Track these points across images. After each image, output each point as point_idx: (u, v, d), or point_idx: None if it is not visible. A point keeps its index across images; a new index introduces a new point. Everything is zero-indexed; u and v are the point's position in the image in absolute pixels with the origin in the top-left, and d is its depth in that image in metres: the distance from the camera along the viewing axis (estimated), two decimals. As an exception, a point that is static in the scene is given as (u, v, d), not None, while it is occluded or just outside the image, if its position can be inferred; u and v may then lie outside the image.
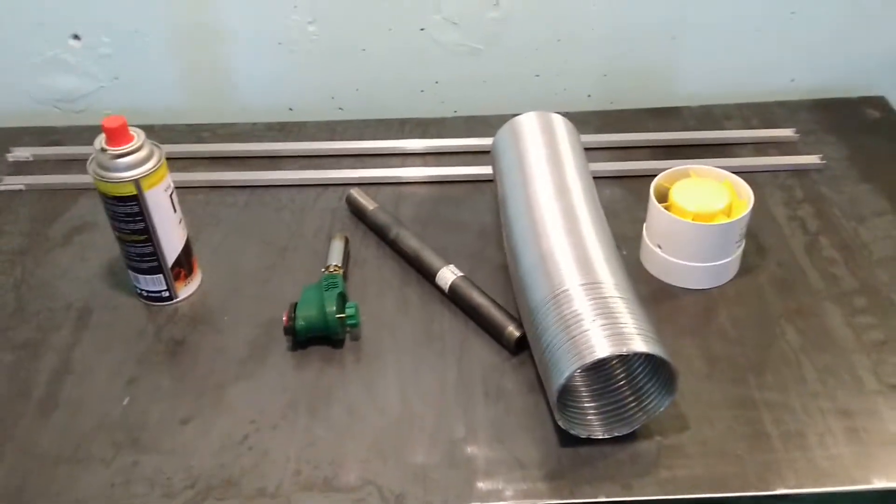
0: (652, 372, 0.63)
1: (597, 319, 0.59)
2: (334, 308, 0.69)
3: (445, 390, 0.67)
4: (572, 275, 0.63)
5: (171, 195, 0.71)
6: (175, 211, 0.72)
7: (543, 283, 0.64)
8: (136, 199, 0.68)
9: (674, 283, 0.77)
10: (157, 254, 0.72)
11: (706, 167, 0.79)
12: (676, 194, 0.75)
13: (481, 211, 0.86)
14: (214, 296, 0.77)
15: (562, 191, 0.72)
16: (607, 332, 0.58)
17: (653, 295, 0.76)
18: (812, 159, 0.90)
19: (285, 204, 0.88)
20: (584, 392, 0.65)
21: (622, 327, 0.59)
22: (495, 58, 1.00)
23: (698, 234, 0.73)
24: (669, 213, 0.74)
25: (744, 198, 0.75)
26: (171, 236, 0.72)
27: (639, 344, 0.58)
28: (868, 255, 0.78)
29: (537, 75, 1.02)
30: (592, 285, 0.62)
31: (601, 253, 0.66)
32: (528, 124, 0.81)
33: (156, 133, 1.00)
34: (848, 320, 0.72)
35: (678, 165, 0.82)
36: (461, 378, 0.68)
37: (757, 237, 0.81)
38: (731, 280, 0.76)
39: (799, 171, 0.90)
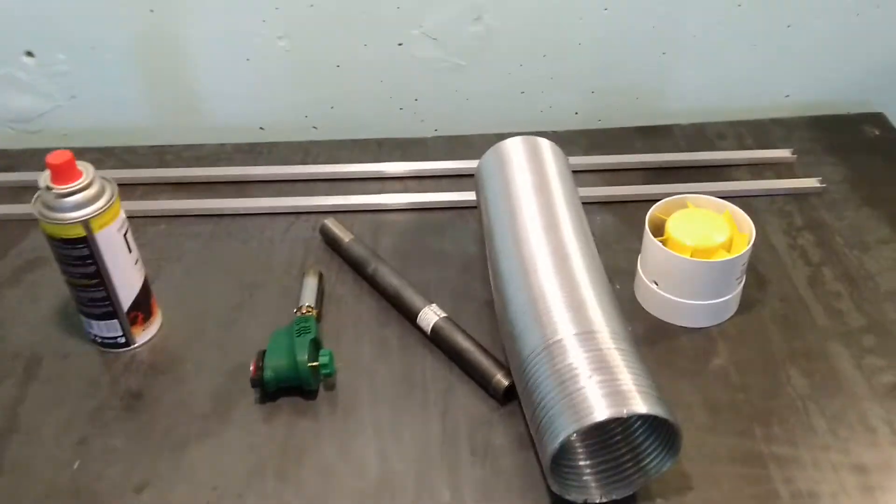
0: (652, 429, 0.58)
1: (593, 375, 0.54)
2: (306, 357, 0.64)
3: (428, 447, 0.61)
4: (566, 323, 0.58)
5: (125, 234, 0.65)
6: (130, 251, 0.66)
7: (535, 332, 0.59)
8: (86, 241, 0.62)
9: (671, 322, 0.72)
10: (110, 298, 0.66)
11: (704, 197, 0.74)
12: (673, 227, 0.70)
13: (465, 241, 0.81)
14: (176, 340, 0.71)
15: (551, 225, 0.67)
16: (605, 390, 0.53)
17: (648, 333, 0.71)
18: (811, 182, 0.86)
19: (254, 234, 0.82)
20: (579, 450, 0.60)
21: (620, 384, 0.54)
22: (478, 74, 0.94)
23: (698, 271, 0.68)
24: (666, 249, 0.69)
25: (745, 230, 0.71)
26: (127, 279, 0.66)
27: (639, 404, 0.53)
28: (874, 287, 0.74)
29: (522, 92, 0.96)
30: (588, 335, 0.57)
31: (595, 296, 0.61)
32: (514, 150, 0.76)
33: (116, 156, 0.94)
34: (857, 362, 0.67)
35: (671, 191, 0.78)
36: (445, 432, 0.62)
37: (757, 268, 0.76)
38: (736, 317, 0.72)
39: (797, 195, 0.85)
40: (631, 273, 0.75)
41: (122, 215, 0.65)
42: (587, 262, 0.64)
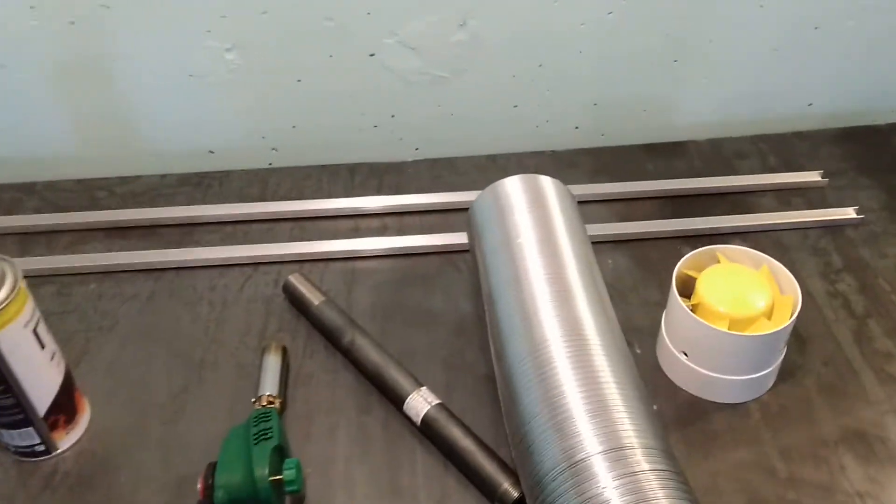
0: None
1: (628, 508, 0.43)
2: (266, 471, 0.51)
3: (424, 581, 0.50)
4: (591, 437, 0.47)
5: (35, 328, 0.52)
6: (43, 346, 0.52)
7: (553, 445, 0.47)
8: (-17, 344, 0.49)
9: (702, 396, 0.61)
10: (21, 405, 0.53)
11: (738, 248, 0.62)
12: (706, 290, 0.59)
13: (457, 294, 0.69)
14: (108, 441, 0.58)
15: (564, 295, 0.55)
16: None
17: (674, 409, 0.60)
18: (846, 212, 0.75)
19: (202, 293, 0.69)
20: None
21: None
22: (463, 87, 0.81)
23: (736, 345, 0.57)
24: (699, 319, 0.57)
25: (787, 291, 0.59)
26: (41, 381, 0.53)
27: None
28: (932, 346, 0.64)
29: (515, 106, 0.84)
30: (618, 452, 0.46)
31: (621, 397, 0.49)
32: (514, 193, 0.64)
33: (37, 193, 0.79)
34: (922, 445, 0.57)
35: (690, 227, 0.67)
36: (443, 560, 0.51)
37: (795, 325, 0.65)
38: (775, 387, 0.61)
39: (832, 228, 0.75)
40: (651, 332, 0.64)
41: (31, 304, 0.51)
42: (608, 346, 0.52)
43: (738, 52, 0.82)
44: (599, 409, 0.49)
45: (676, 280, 0.60)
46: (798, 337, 0.65)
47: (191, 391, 0.61)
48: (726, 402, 0.60)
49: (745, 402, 0.60)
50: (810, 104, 0.87)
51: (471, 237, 0.65)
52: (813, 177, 0.79)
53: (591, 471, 0.46)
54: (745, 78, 0.84)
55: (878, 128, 0.87)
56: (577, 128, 0.86)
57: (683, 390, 0.61)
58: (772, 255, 0.62)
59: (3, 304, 0.48)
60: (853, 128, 0.87)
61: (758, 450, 0.57)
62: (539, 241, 0.60)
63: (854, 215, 0.75)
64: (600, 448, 0.46)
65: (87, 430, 0.59)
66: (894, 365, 0.62)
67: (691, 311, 0.59)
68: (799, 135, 0.86)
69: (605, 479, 0.45)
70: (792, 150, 0.84)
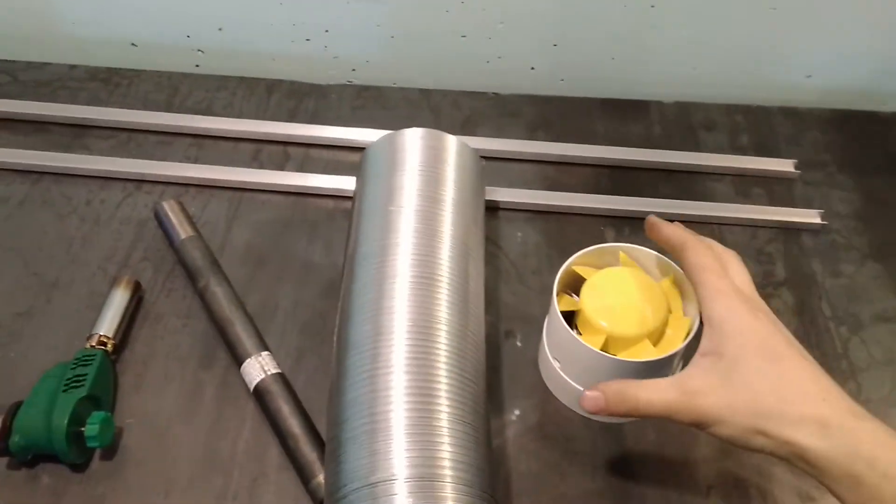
0: None
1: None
2: (65, 422, 0.48)
3: (209, 565, 0.47)
4: (401, 458, 0.41)
5: None
6: None
7: (361, 456, 0.42)
8: None
9: (571, 408, 0.55)
10: None
11: (645, 251, 0.54)
12: (589, 295, 0.51)
13: (340, 247, 0.61)
14: (-65, 356, 0.55)
15: (426, 284, 0.49)
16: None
17: (543, 418, 0.54)
18: (809, 215, 0.65)
19: (77, 206, 0.64)
20: None
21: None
22: (408, 7, 0.72)
23: (608, 367, 0.49)
24: (569, 331, 0.50)
25: (690, 313, 0.52)
26: None
27: None
28: (856, 391, 0.56)
29: (463, 35, 0.74)
30: (426, 483, 0.41)
31: (450, 418, 0.43)
32: (411, 150, 0.56)
33: (-62, 70, 0.74)
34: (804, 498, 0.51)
35: (624, 207, 0.60)
36: (238, 543, 0.48)
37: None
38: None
39: (788, 230, 0.65)
40: (540, 325, 0.57)
41: None
42: (457, 355, 0.46)
43: (729, 3, 0.70)
44: (421, 426, 0.43)
45: (563, 279, 0.53)
46: (704, 353, 0.57)
47: (34, 313, 0.58)
48: (597, 420, 0.54)
49: (620, 425, 0.54)
50: (809, 76, 0.75)
51: (356, 186, 0.59)
52: (784, 166, 0.69)
53: (389, 497, 0.41)
54: (734, 34, 0.72)
55: (879, 115, 0.75)
56: (532, 68, 0.76)
57: (554, 397, 0.55)
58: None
59: None
60: (851, 111, 0.75)
61: (618, 481, 0.51)
62: (417, 214, 0.53)
63: (818, 220, 0.65)
64: (407, 473, 0.41)
65: (-84, 341, 0.56)
66: (804, 402, 0.55)
67: (574, 314, 0.52)
68: (787, 111, 0.74)
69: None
70: (771, 128, 0.73)
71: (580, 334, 0.51)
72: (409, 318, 0.47)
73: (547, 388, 0.55)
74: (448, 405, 0.44)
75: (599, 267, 0.54)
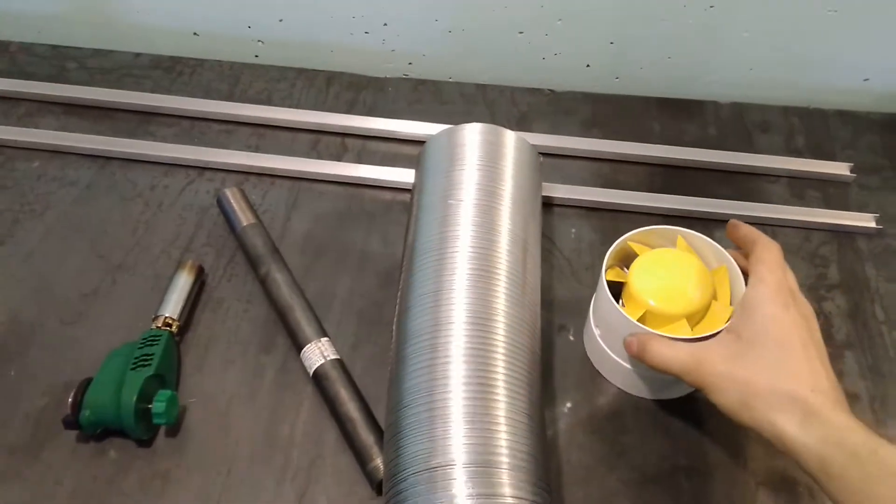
0: None
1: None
2: (133, 399, 0.50)
3: (269, 542, 0.49)
4: (459, 444, 0.43)
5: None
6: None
7: (420, 441, 0.44)
8: None
9: (609, 380, 0.56)
10: None
11: (703, 238, 0.54)
12: (638, 272, 0.52)
13: (397, 239, 0.63)
14: (7, 331, 0.57)
15: (484, 277, 0.50)
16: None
17: (581, 389, 0.55)
18: (864, 219, 0.65)
19: (141, 191, 0.66)
20: None
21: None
22: (465, 1, 0.72)
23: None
24: (611, 300, 0.51)
25: (735, 301, 0.52)
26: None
27: None
28: (907, 394, 0.56)
29: (521, 32, 0.74)
30: (482, 469, 0.42)
31: (507, 407, 0.45)
32: (469, 144, 0.57)
33: (10, 55, 0.77)
34: (853, 507, 0.51)
35: (678, 207, 0.59)
36: (296, 524, 0.49)
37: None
38: (713, 408, 0.55)
39: (842, 234, 0.65)
40: (593, 319, 0.58)
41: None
42: (514, 345, 0.48)
43: (789, 4, 0.69)
44: (479, 414, 0.44)
45: (615, 255, 0.54)
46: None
47: (100, 294, 0.60)
48: (630, 392, 0.55)
49: (670, 426, 0.54)
50: (866, 79, 0.74)
51: (416, 179, 0.60)
52: (840, 169, 0.69)
53: (449, 481, 0.42)
54: (792, 36, 0.72)
55: (942, 121, 0.74)
56: (588, 66, 0.76)
57: (605, 390, 0.56)
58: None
59: None
60: (912, 116, 0.74)
61: (666, 483, 0.51)
62: (477, 207, 0.54)
63: (873, 224, 0.65)
64: (465, 459, 0.43)
65: (-9, 316, 0.58)
66: (856, 409, 0.55)
67: (621, 289, 0.53)
68: (842, 115, 0.74)
69: (459, 493, 0.41)
70: (827, 131, 0.73)
71: (623, 306, 0.52)
72: (468, 310, 0.48)
73: (598, 381, 0.56)
74: (505, 395, 0.45)
75: (654, 247, 0.55)
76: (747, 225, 0.51)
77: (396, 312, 0.52)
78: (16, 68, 0.75)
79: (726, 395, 0.43)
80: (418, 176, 0.59)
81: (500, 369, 0.46)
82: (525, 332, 0.49)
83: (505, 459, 0.43)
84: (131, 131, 0.70)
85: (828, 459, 0.39)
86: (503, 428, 0.44)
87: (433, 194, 0.56)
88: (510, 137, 0.59)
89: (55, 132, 0.69)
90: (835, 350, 0.58)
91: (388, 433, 0.47)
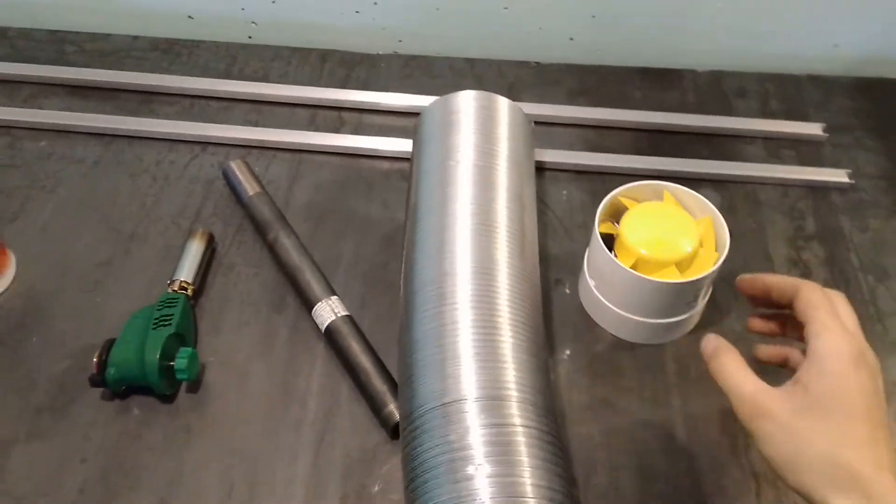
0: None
1: (485, 464, 0.42)
2: (156, 356, 0.52)
3: (290, 487, 0.51)
4: (470, 380, 0.46)
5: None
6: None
7: (432, 381, 0.47)
8: None
9: (607, 329, 0.59)
10: (-68, 257, 0.54)
11: (688, 192, 0.58)
12: (628, 224, 0.56)
13: (397, 204, 0.67)
14: (28, 301, 0.60)
15: (486, 230, 0.53)
16: (495, 489, 0.42)
17: (579, 340, 0.59)
18: (837, 175, 0.69)
19: (147, 167, 0.68)
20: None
21: (515, 483, 0.42)
22: (452, -20, 0.76)
23: (636, 285, 0.54)
24: (605, 251, 0.55)
25: (719, 247, 0.56)
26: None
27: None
28: (882, 333, 0.60)
29: (505, 7, 0.77)
30: (493, 402, 0.45)
31: (513, 345, 0.48)
32: (465, 110, 0.60)
33: (9, 40, 0.79)
34: (835, 434, 0.54)
35: (662, 167, 0.62)
36: (316, 468, 0.52)
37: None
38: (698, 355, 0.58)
39: (817, 189, 0.69)
40: (586, 273, 0.61)
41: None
42: (516, 292, 0.51)
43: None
44: (486, 354, 0.47)
45: (607, 209, 0.57)
46: (742, 303, 0.60)
47: (115, 264, 0.62)
48: (626, 339, 0.59)
49: (663, 363, 0.58)
50: (836, 45, 0.79)
51: (413, 147, 0.63)
52: (813, 129, 0.73)
53: (461, 415, 0.45)
54: (765, 7, 0.76)
55: (908, 84, 0.79)
56: (571, 39, 0.79)
57: (601, 338, 0.59)
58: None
59: None
60: (878, 79, 0.78)
61: (663, 412, 0.55)
62: (475, 167, 0.57)
63: (845, 179, 0.69)
64: (476, 394, 0.46)
65: (10, 286, 0.60)
66: (835, 345, 0.59)
67: (613, 241, 0.57)
68: (814, 79, 0.78)
69: (472, 424, 0.44)
70: (800, 95, 0.77)
71: (616, 256, 0.56)
72: (472, 260, 0.51)
73: (595, 330, 0.60)
74: (511, 335, 0.48)
75: (642, 202, 0.58)
76: (767, 274, 0.47)
77: (403, 268, 0.55)
78: (15, 53, 0.77)
79: (779, 450, 0.39)
80: (416, 143, 0.62)
81: (505, 313, 0.49)
82: (526, 281, 0.52)
83: (514, 393, 0.46)
84: (134, 111, 0.72)
85: None
86: (510, 365, 0.47)
87: (432, 158, 0.59)
88: (503, 103, 0.62)
89: (60, 112, 0.71)
90: (813, 294, 0.62)
91: (401, 377, 0.50)
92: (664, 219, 0.56)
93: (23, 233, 0.63)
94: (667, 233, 0.55)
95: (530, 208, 0.58)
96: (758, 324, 0.49)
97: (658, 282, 0.53)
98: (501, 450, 0.43)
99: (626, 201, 0.58)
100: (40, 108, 0.72)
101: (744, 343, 0.58)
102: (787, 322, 0.48)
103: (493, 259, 0.52)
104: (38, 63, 0.75)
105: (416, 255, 0.54)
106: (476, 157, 0.57)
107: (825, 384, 0.39)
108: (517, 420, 0.45)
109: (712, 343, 0.44)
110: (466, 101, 0.61)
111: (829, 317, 0.41)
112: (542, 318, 0.53)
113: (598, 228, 0.56)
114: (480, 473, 0.42)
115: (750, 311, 0.50)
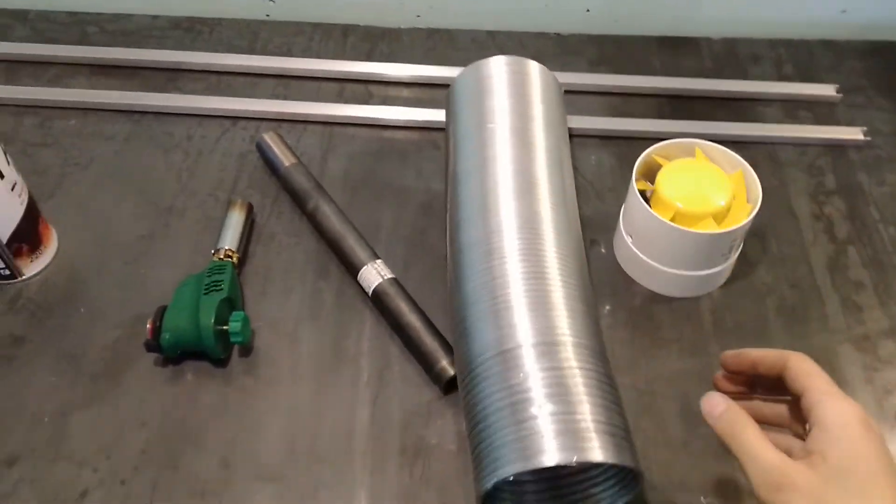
0: (608, 466, 0.48)
1: (547, 403, 0.44)
2: (211, 321, 0.53)
3: (352, 440, 0.52)
4: (525, 328, 0.47)
5: (-7, 155, 0.52)
6: (3, 177, 0.53)
7: (488, 331, 0.48)
8: (-61, 166, 0.50)
9: (644, 284, 0.61)
10: (-18, 230, 0.54)
11: (719, 148, 0.60)
12: (664, 179, 0.58)
13: (431, 173, 0.68)
14: (72, 273, 0.60)
15: (527, 187, 0.54)
16: (559, 427, 0.43)
17: (618, 296, 0.60)
18: (853, 133, 0.71)
19: (179, 141, 0.69)
20: (520, 479, 0.50)
21: (577, 420, 0.44)
22: (471, -47, 0.77)
23: (674, 237, 0.56)
24: (644, 204, 0.56)
25: (751, 199, 0.58)
26: (1, 208, 0.54)
27: (595, 450, 0.42)
28: (905, 281, 0.62)
29: (523, -20, 0.79)
30: (549, 347, 0.46)
31: (564, 295, 0.49)
32: (497, 75, 0.61)
33: (30, 23, 0.78)
34: (869, 375, 0.57)
35: (685, 130, 0.64)
36: (374, 422, 0.53)
37: (770, 240, 0.64)
38: (736, 303, 0.60)
39: (834, 147, 0.71)
40: (620, 233, 0.63)
41: (-11, 130, 0.52)
42: (562, 244, 0.52)
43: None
44: (539, 303, 0.49)
45: (642, 167, 0.59)
46: (771, 255, 0.63)
47: (156, 236, 0.62)
48: (664, 293, 0.60)
49: (699, 315, 0.60)
50: (844, 11, 0.81)
51: (447, 115, 0.64)
52: (827, 90, 0.75)
53: (520, 360, 0.46)
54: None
55: (914, 46, 0.81)
56: (588, 10, 0.81)
57: (628, 275, 0.61)
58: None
59: (-42, 129, 0.49)
60: (886, 42, 0.81)
61: (702, 360, 0.57)
62: (512, 129, 0.58)
63: (861, 137, 0.71)
64: (532, 340, 0.47)
65: (52, 261, 0.61)
66: (863, 295, 0.61)
67: (648, 195, 0.58)
68: (825, 44, 0.80)
69: (531, 369, 0.46)
70: (812, 59, 0.79)
71: None
72: (517, 217, 0.53)
73: (632, 286, 0.61)
74: (561, 284, 0.50)
75: (672, 160, 0.60)
76: (750, 349, 0.46)
77: (448, 231, 0.56)
78: (37, 35, 0.77)
79: None
80: (450, 109, 0.63)
81: (553, 264, 0.51)
82: (570, 234, 0.54)
83: (568, 338, 0.47)
84: (160, 88, 0.73)
85: None
86: (563, 312, 0.48)
87: (468, 123, 0.60)
88: (534, 67, 0.63)
89: (88, 91, 0.71)
90: (838, 246, 0.64)
91: (456, 333, 0.51)
92: (698, 174, 0.58)
93: (61, 209, 0.63)
94: (701, 187, 0.57)
95: (567, 167, 0.59)
96: (723, 383, 0.48)
97: (697, 233, 0.55)
98: (561, 390, 0.45)
99: (659, 159, 0.60)
100: (67, 87, 0.72)
101: (773, 296, 0.61)
102: (757, 384, 0.47)
103: (538, 214, 0.53)
104: (60, 43, 0.75)
105: (460, 217, 0.55)
106: (512, 119, 0.58)
107: (843, 452, 0.38)
108: (574, 363, 0.46)
109: (720, 405, 0.42)
110: (498, 66, 0.62)
111: (828, 385, 0.41)
112: (587, 274, 0.55)
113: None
114: (543, 413, 0.44)
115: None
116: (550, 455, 0.42)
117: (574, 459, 0.42)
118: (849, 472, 0.38)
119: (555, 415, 0.44)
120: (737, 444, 0.41)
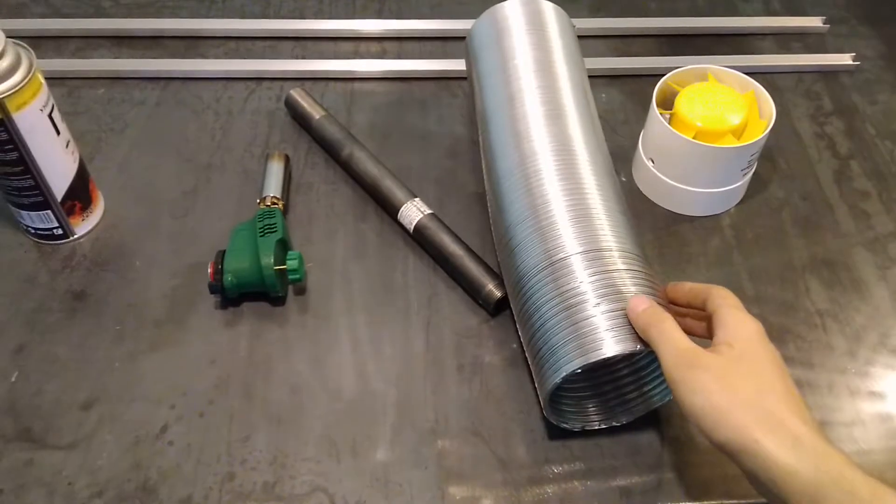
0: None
1: (601, 303, 0.47)
2: (272, 260, 0.56)
3: (411, 362, 0.55)
4: (571, 239, 0.50)
5: (50, 114, 0.54)
6: (59, 133, 0.55)
7: (536, 246, 0.51)
8: (3, 125, 0.51)
9: (665, 206, 0.65)
10: (40, 188, 0.56)
11: (729, 71, 0.64)
12: (684, 101, 0.62)
13: (452, 119, 0.71)
14: (122, 231, 0.62)
15: (555, 113, 0.57)
16: (614, 322, 0.47)
17: (642, 219, 0.64)
18: (843, 59, 0.76)
19: (208, 104, 0.71)
20: (579, 380, 0.54)
21: (632, 314, 0.47)
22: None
23: (697, 154, 0.60)
24: (668, 125, 0.60)
25: (764, 116, 0.62)
26: (57, 165, 0.56)
27: (652, 338, 0.46)
28: (904, 188, 0.67)
29: (520, -65, 0.82)
30: (596, 254, 0.50)
31: (604, 207, 0.53)
32: (513, 17, 0.64)
33: (45, 0, 0.80)
34: (882, 273, 0.61)
35: (687, 64, 0.67)
36: (430, 346, 0.56)
37: (779, 160, 0.68)
38: (754, 218, 0.64)
39: (827, 73, 0.76)
40: (637, 163, 0.67)
41: (45, 91, 0.54)
42: (595, 162, 0.56)
43: None
44: (581, 216, 0.52)
45: (660, 93, 0.63)
46: (781, 173, 0.67)
47: (199, 191, 0.65)
48: (686, 213, 0.64)
49: (721, 230, 0.64)
50: (823, -51, 0.86)
51: (468, 60, 0.67)
52: (814, 22, 0.79)
53: (570, 268, 0.50)
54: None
55: (889, -22, 0.86)
56: (584, -39, 0.84)
57: (649, 199, 0.65)
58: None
59: (20, 86, 0.50)
60: (865, -24, 0.86)
61: (728, 270, 0.61)
62: (535, 62, 0.61)
63: (850, 62, 0.76)
64: (580, 249, 0.50)
65: (101, 220, 0.63)
66: (869, 203, 0.66)
67: (666, 119, 0.62)
68: (808, -21, 0.85)
69: (581, 275, 0.49)
70: (798, -6, 0.84)
71: None
72: (549, 141, 0.56)
73: (654, 210, 0.65)
74: (600, 199, 0.53)
75: (688, 85, 0.64)
76: (685, 282, 0.50)
77: (483, 164, 0.60)
78: (52, 11, 0.78)
79: (711, 398, 0.41)
80: (471, 53, 0.66)
81: (590, 180, 0.54)
82: (601, 153, 0.57)
83: (613, 245, 0.51)
84: (181, 55, 0.75)
85: (823, 491, 0.37)
86: (606, 223, 0.52)
87: (491, 63, 0.63)
88: (548, 6, 0.66)
89: (113, 60, 0.73)
90: (841, 161, 0.69)
91: (503, 254, 0.55)
92: (713, 96, 0.62)
93: (102, 171, 0.65)
94: (718, 107, 0.61)
95: (590, 96, 0.63)
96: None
97: (720, 147, 0.59)
98: (613, 290, 0.48)
99: (674, 86, 0.64)
100: (91, 58, 0.74)
101: (787, 209, 0.65)
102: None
103: (569, 136, 0.56)
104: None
105: (494, 149, 0.58)
106: (535, 53, 0.61)
107: (744, 345, 0.43)
108: (621, 265, 0.50)
109: (643, 302, 0.46)
110: (513, 8, 0.65)
111: (737, 304, 0.46)
112: (620, 188, 0.58)
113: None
114: (599, 311, 0.47)
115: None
116: (610, 346, 0.46)
117: (637, 347, 0.46)
118: (748, 359, 0.43)
119: (609, 312, 0.47)
120: (656, 332, 0.45)
